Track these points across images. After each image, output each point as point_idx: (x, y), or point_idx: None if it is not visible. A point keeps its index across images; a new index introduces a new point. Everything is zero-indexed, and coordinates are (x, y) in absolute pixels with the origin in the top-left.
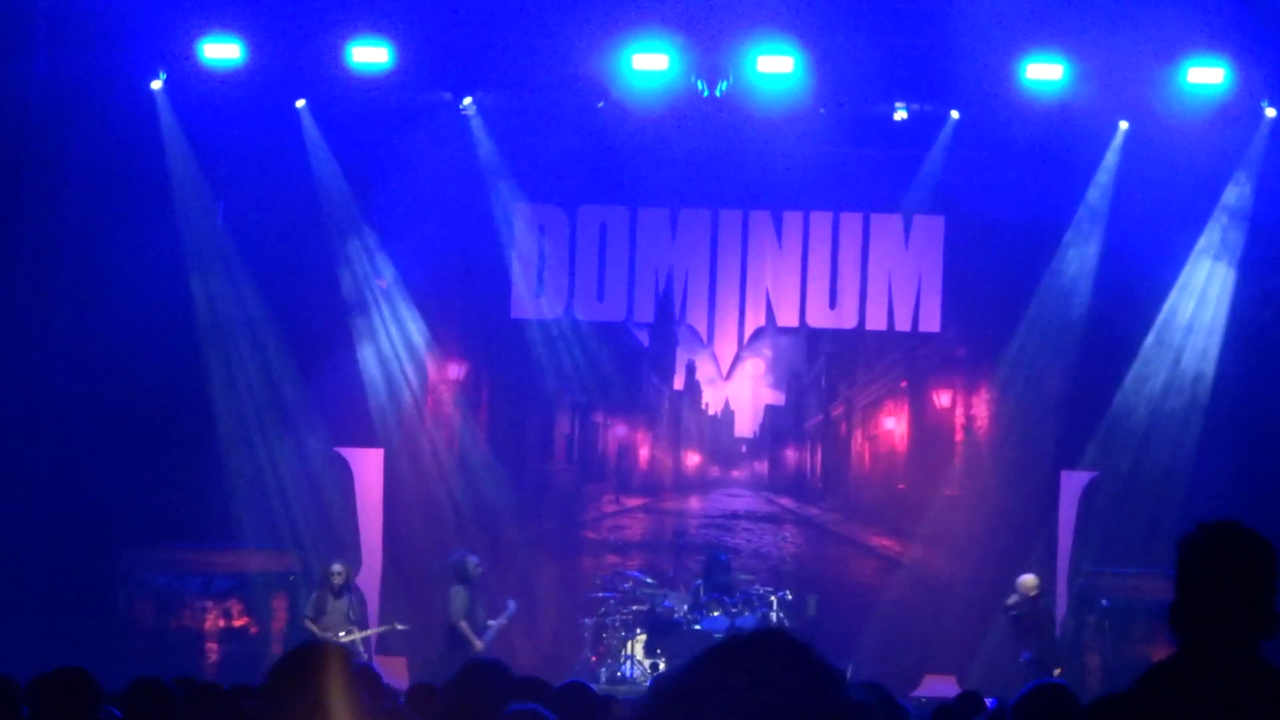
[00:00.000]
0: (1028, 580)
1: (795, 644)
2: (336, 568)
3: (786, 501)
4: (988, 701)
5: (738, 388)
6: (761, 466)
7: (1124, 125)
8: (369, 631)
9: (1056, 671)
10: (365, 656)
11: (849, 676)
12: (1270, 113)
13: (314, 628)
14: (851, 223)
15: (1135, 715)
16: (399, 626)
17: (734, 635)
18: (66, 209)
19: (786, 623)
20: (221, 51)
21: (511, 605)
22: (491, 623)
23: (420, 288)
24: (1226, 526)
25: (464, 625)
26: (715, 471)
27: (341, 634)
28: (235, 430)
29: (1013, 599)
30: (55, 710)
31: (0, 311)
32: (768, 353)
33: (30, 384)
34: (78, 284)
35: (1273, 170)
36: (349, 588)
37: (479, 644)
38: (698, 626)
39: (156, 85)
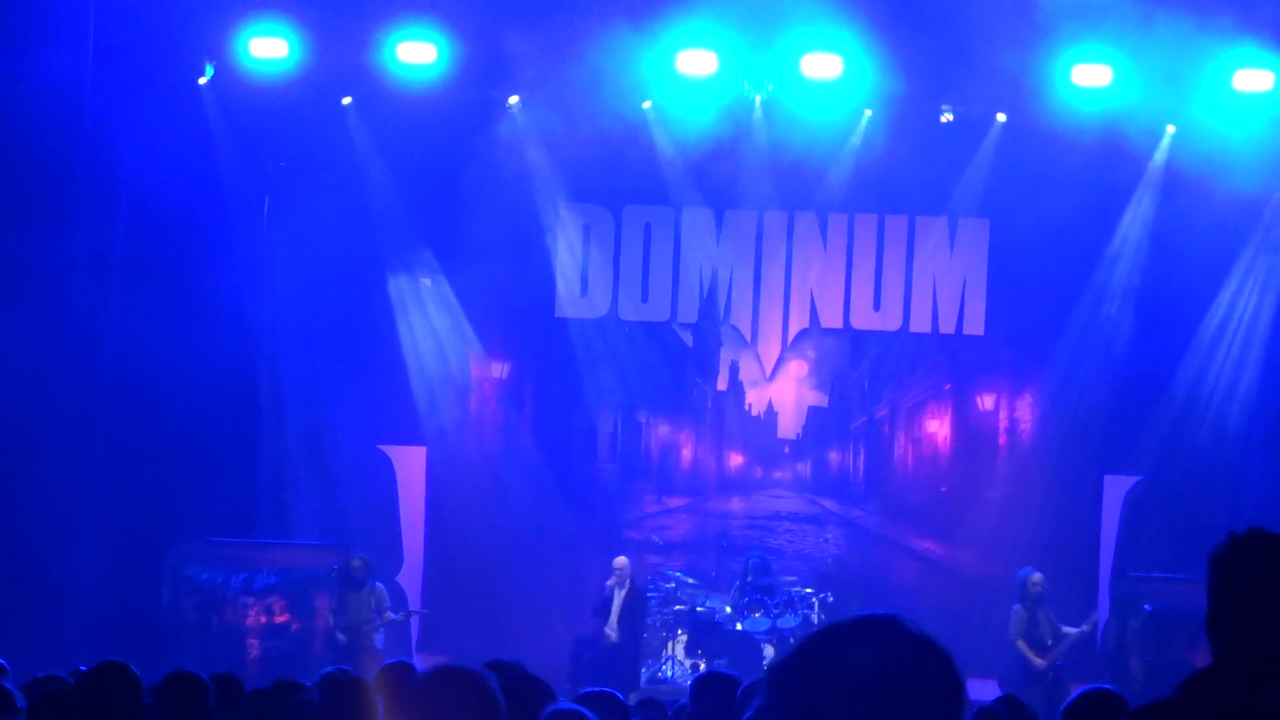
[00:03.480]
0: (620, 562)
1: (909, 628)
2: (355, 561)
3: (829, 503)
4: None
5: (781, 389)
6: (804, 468)
7: (1170, 129)
8: (396, 616)
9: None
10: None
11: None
12: None
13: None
14: (896, 225)
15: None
16: (415, 612)
17: (848, 621)
18: (118, 207)
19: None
20: (268, 48)
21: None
22: (1072, 628)
23: (465, 286)
24: (1259, 535)
25: (1021, 644)
26: (758, 472)
27: (367, 623)
28: (280, 426)
29: (612, 579)
30: (99, 701)
31: (53, 307)
32: (811, 354)
33: (81, 379)
34: (129, 280)
35: None
36: (371, 578)
37: (1039, 661)
38: (739, 627)
39: (203, 81)
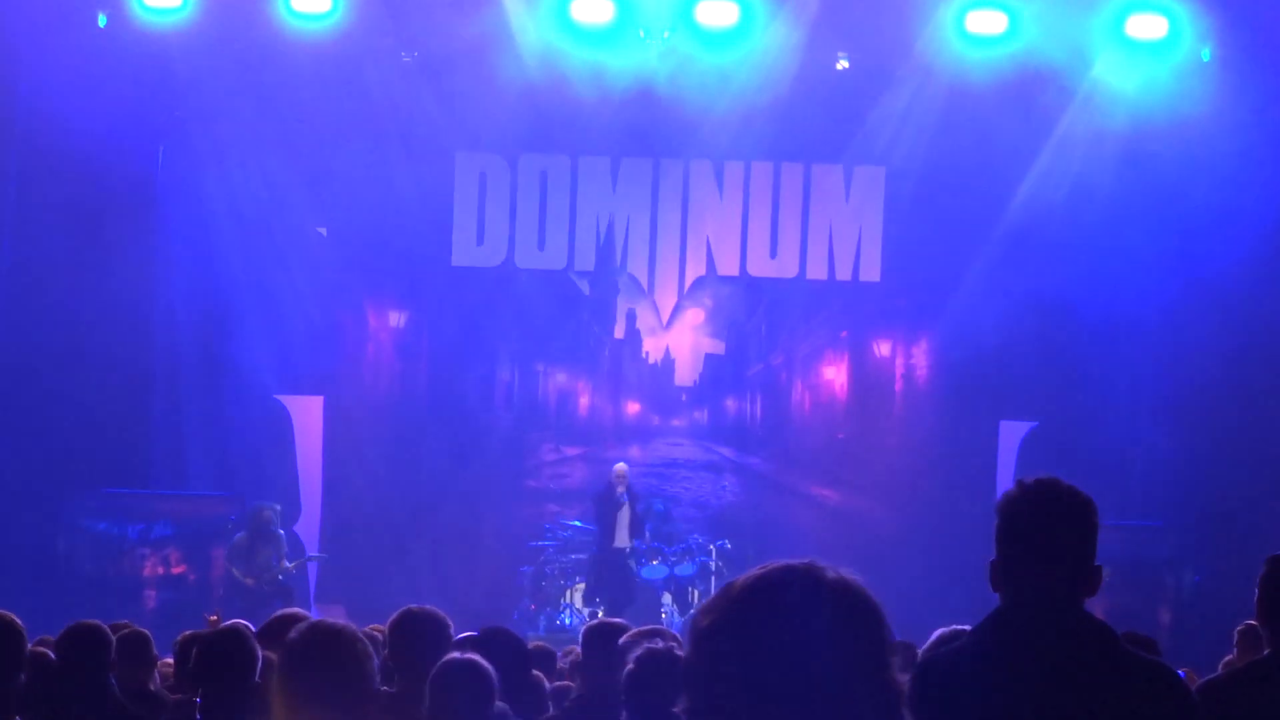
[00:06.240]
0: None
1: (834, 581)
2: (266, 510)
3: (726, 450)
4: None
5: (678, 337)
6: (701, 415)
7: (1067, 74)
8: (292, 564)
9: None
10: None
11: None
12: (1206, 57)
13: (238, 574)
14: (792, 173)
15: (966, 666)
16: (313, 557)
17: (769, 574)
18: (9, 154)
19: (725, 572)
20: None
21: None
22: None
23: (361, 236)
24: (1046, 484)
25: None
26: (655, 420)
27: (269, 571)
28: (174, 377)
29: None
30: None
31: None
32: (708, 302)
33: None
34: (20, 228)
35: (1211, 116)
36: (279, 526)
37: None
38: (638, 575)
39: (97, 25)
